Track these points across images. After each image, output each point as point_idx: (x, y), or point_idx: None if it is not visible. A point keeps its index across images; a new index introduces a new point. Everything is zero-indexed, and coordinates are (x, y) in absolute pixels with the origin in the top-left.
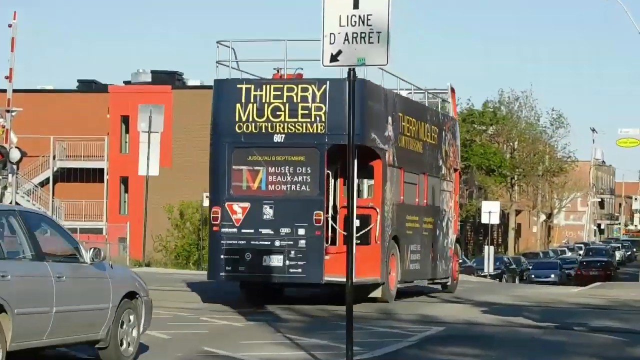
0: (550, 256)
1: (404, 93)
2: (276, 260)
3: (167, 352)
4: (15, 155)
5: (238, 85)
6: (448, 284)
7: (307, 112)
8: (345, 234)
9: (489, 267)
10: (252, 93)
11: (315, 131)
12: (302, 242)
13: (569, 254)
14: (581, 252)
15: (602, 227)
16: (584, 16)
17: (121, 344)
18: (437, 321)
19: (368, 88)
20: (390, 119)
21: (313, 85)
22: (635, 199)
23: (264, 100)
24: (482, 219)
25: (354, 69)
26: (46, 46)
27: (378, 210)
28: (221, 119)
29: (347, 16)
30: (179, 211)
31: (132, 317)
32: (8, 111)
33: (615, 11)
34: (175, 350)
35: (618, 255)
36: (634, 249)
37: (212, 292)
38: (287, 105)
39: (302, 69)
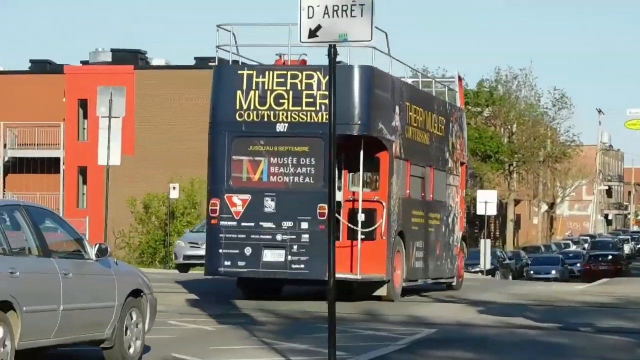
0: (552, 250)
1: (408, 81)
2: (278, 256)
3: None
4: None
5: (239, 72)
6: (453, 283)
7: (311, 100)
8: (352, 226)
9: (485, 262)
10: (254, 80)
11: (320, 120)
12: (305, 237)
13: (573, 247)
14: (587, 245)
15: (610, 217)
16: None
17: (126, 344)
18: (429, 322)
19: (375, 75)
20: (397, 108)
21: (318, 72)
22: None
23: (266, 88)
24: (477, 209)
25: (334, 46)
26: None
27: (384, 204)
28: (221, 106)
29: None
30: (143, 204)
31: (137, 316)
32: None
33: None
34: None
35: (627, 248)
36: None
37: (182, 294)
38: (290, 92)
39: (306, 54)
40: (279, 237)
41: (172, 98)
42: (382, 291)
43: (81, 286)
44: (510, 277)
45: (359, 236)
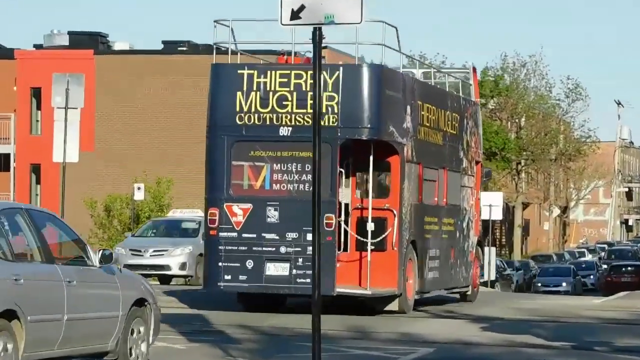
0: (565, 259)
1: (418, 73)
2: (282, 269)
3: None
4: None
5: (239, 71)
6: (468, 293)
7: None
8: (360, 237)
9: (489, 273)
10: (255, 80)
11: (326, 124)
12: (311, 249)
13: (588, 256)
14: (603, 254)
15: (630, 223)
16: None
17: (130, 356)
18: (426, 341)
19: (385, 75)
20: (409, 108)
21: (324, 72)
22: None
23: (268, 88)
24: (481, 214)
25: (320, 29)
26: None
27: (395, 212)
28: (219, 109)
29: None
30: (104, 206)
31: (141, 327)
32: None
33: None
34: None
35: None
36: None
37: None
38: (294, 94)
39: (310, 52)
40: (282, 249)
41: (137, 87)
42: (393, 305)
43: (85, 295)
44: (512, 289)
45: (369, 247)
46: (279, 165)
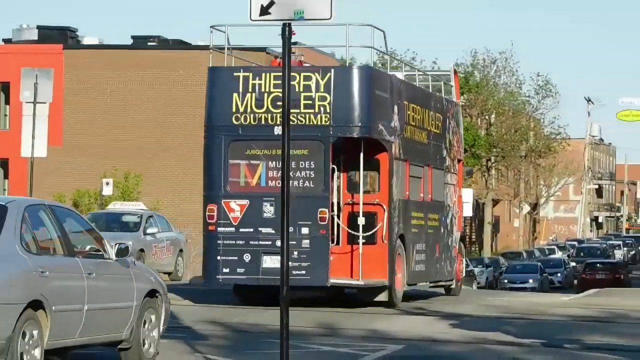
0: (535, 256)
1: (400, 75)
2: (277, 262)
3: None
4: None
5: (235, 73)
6: (452, 286)
7: (310, 102)
8: (351, 231)
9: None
10: (251, 82)
11: (319, 123)
12: (306, 242)
13: (559, 253)
14: (572, 251)
15: (600, 220)
16: None
17: (143, 345)
18: (394, 337)
19: (374, 76)
20: (396, 108)
21: (317, 74)
22: None
23: (263, 90)
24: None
25: (289, 25)
26: None
27: (385, 207)
28: (216, 110)
29: None
30: (73, 201)
31: (153, 317)
32: None
33: None
34: None
35: (618, 254)
36: (639, 247)
37: None
38: None
39: (302, 55)
40: (278, 243)
41: (106, 82)
42: (383, 296)
43: (103, 286)
44: (475, 286)
45: (360, 241)
46: (274, 162)
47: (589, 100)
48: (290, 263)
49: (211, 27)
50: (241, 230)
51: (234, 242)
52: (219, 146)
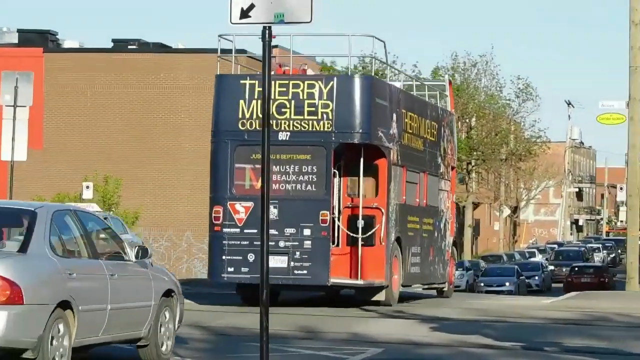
0: (516, 259)
1: (398, 84)
2: (280, 262)
3: None
4: None
5: (241, 81)
6: (445, 289)
7: (313, 109)
8: (350, 233)
9: None
10: (256, 89)
11: (322, 129)
12: (308, 243)
13: (539, 256)
14: (550, 254)
15: (580, 223)
16: None
17: (160, 342)
18: (374, 341)
19: (375, 85)
20: (394, 115)
21: (320, 82)
22: (621, 188)
23: None
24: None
25: (269, 28)
26: None
27: (383, 210)
28: (223, 115)
29: None
30: None
31: (169, 315)
32: None
33: None
34: None
35: (597, 258)
36: (619, 250)
37: None
38: (292, 102)
39: (306, 64)
40: (281, 243)
41: (86, 85)
42: (380, 296)
43: (125, 287)
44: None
45: (360, 242)
46: (278, 167)
47: (569, 104)
48: (292, 263)
49: (219, 36)
50: (246, 231)
51: (238, 242)
52: (225, 150)
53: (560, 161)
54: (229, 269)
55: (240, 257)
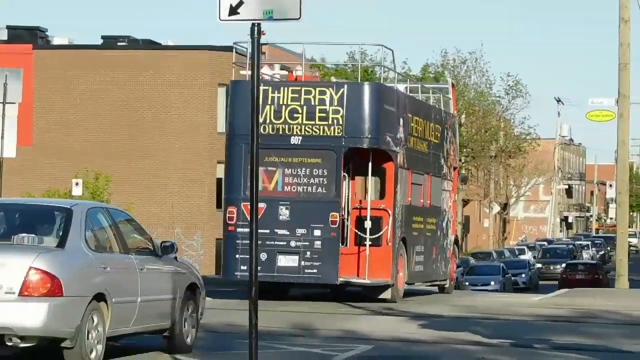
0: (506, 256)
1: (401, 87)
2: (291, 261)
3: None
4: None
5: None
6: (446, 285)
7: (324, 114)
8: (359, 233)
9: None
10: (270, 95)
11: (332, 134)
12: (318, 243)
13: (528, 254)
14: (538, 252)
15: (570, 220)
16: None
17: (185, 334)
18: (364, 338)
19: (383, 92)
20: (401, 120)
21: (331, 89)
22: (610, 185)
23: (281, 102)
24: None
25: (258, 25)
26: None
27: (390, 212)
28: (237, 120)
29: None
30: None
31: (192, 307)
32: None
33: None
34: None
35: (586, 255)
36: (608, 248)
37: None
38: (304, 107)
39: (318, 71)
40: (292, 243)
41: (76, 82)
42: (386, 294)
43: (153, 280)
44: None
45: (368, 242)
46: (289, 169)
47: (559, 101)
48: (303, 262)
49: (234, 43)
50: (258, 231)
51: None
52: (239, 153)
53: (549, 158)
54: (242, 267)
55: None
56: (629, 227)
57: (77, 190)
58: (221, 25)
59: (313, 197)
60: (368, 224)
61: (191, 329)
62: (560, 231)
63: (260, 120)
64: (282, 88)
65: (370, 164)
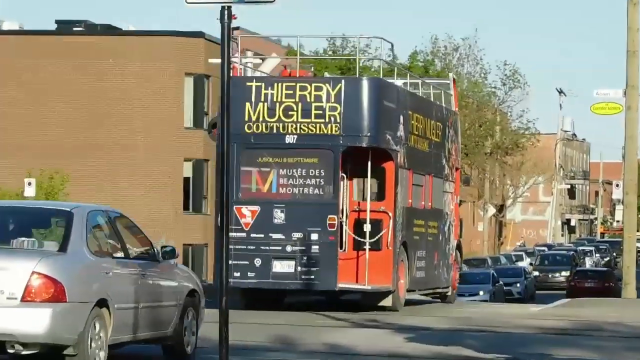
0: (502, 263)
1: (399, 82)
2: (287, 267)
3: None
4: None
5: (248, 83)
6: (448, 293)
7: (320, 112)
8: (357, 237)
9: None
10: (263, 91)
11: (329, 132)
12: (315, 248)
13: (527, 260)
14: (535, 258)
15: (573, 223)
16: None
17: (184, 342)
18: (348, 353)
19: (382, 87)
20: (401, 117)
21: (327, 85)
22: (617, 185)
23: (275, 99)
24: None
25: (229, 8)
26: None
27: (390, 214)
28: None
29: None
30: None
31: (192, 315)
32: None
33: None
34: None
35: (589, 262)
36: (614, 253)
37: None
38: (299, 104)
39: (312, 66)
40: (288, 248)
41: (27, 71)
42: (387, 302)
43: (154, 286)
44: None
45: (367, 246)
46: (284, 170)
47: (560, 92)
48: (299, 268)
49: (244, 49)
50: (252, 235)
51: (245, 247)
52: (232, 154)
53: (550, 155)
54: (236, 274)
55: (247, 262)
56: (638, 230)
57: (29, 191)
58: (188, 10)
59: (309, 199)
60: (367, 227)
61: (191, 337)
62: (562, 235)
63: (253, 118)
64: (275, 84)
65: (369, 164)
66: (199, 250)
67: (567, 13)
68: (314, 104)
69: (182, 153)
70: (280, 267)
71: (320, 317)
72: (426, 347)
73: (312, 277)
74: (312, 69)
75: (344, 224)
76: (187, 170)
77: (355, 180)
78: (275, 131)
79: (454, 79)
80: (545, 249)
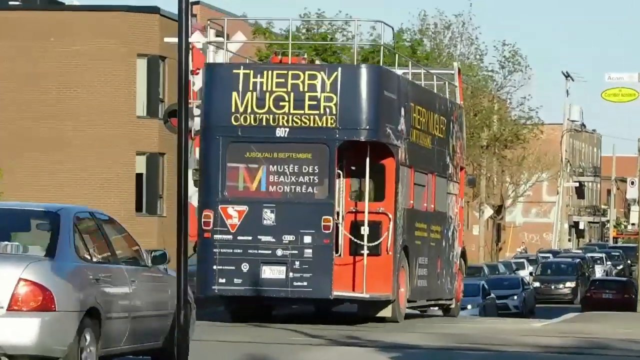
0: (501, 271)
1: (400, 72)
2: (278, 272)
3: None
4: None
5: (234, 71)
6: (452, 306)
7: (315, 102)
8: (356, 240)
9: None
10: (251, 80)
11: (324, 125)
12: (309, 252)
13: (528, 268)
14: (537, 267)
15: (582, 226)
16: None
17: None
18: None
19: (383, 76)
20: (402, 110)
21: (322, 73)
22: (632, 182)
23: (265, 89)
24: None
25: None
26: None
27: (390, 216)
28: (214, 109)
29: None
30: None
31: None
32: None
33: None
34: None
35: (599, 270)
36: (629, 261)
37: None
38: (292, 94)
39: (305, 52)
40: (279, 252)
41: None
42: (386, 312)
43: (143, 294)
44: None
45: (365, 251)
46: (275, 166)
47: (567, 76)
48: (291, 274)
49: (209, 20)
50: (239, 238)
51: (231, 250)
52: (217, 148)
53: (556, 148)
54: (221, 281)
55: (233, 267)
56: None
57: None
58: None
59: (302, 199)
60: (365, 230)
61: None
62: (569, 240)
63: (241, 109)
64: (265, 72)
65: (367, 160)
66: None
67: None
68: (307, 94)
69: (134, 146)
70: (270, 272)
71: (302, 333)
72: None
73: (305, 283)
74: (306, 55)
75: (340, 225)
76: (140, 165)
77: (352, 179)
78: (264, 123)
79: (459, 69)
80: (550, 255)
